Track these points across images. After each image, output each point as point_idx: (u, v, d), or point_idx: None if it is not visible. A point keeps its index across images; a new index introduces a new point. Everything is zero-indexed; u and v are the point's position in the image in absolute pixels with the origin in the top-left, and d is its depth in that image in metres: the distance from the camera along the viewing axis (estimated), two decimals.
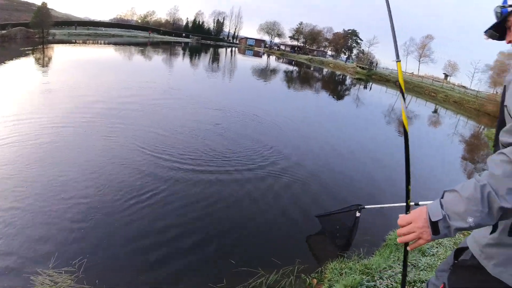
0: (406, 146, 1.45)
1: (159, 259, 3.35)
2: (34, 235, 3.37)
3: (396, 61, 1.55)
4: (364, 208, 3.72)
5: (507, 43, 1.35)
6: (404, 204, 3.19)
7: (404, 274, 1.54)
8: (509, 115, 1.10)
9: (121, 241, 3.53)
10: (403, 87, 1.52)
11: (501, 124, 1.16)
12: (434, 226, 1.11)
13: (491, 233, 1.23)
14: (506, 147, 1.04)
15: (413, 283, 3.00)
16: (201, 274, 3.25)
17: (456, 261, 1.49)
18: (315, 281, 3.27)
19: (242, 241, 3.89)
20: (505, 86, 1.24)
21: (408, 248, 1.29)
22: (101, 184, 4.56)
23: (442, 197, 1.14)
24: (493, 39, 1.42)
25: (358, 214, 3.77)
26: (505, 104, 1.17)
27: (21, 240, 3.28)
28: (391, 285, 2.98)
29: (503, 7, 1.30)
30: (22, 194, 4.06)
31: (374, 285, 2.99)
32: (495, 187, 1.00)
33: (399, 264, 3.35)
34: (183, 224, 3.96)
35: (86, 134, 6.38)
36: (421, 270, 3.27)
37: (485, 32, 1.42)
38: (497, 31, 1.38)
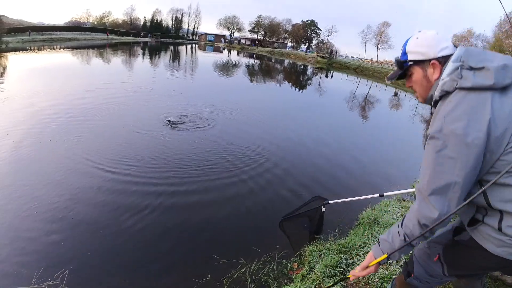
0: None
1: (142, 263, 3.31)
2: (14, 254, 3.24)
3: None
4: (329, 203, 3.79)
5: (407, 87, 1.57)
6: (368, 196, 3.47)
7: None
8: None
9: (101, 248, 3.46)
10: None
11: None
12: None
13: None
14: None
15: None
16: (185, 272, 3.24)
17: (454, 238, 1.67)
18: (296, 265, 3.36)
19: (223, 236, 3.92)
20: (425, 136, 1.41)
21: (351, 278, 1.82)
22: (78, 193, 4.45)
23: (379, 244, 1.60)
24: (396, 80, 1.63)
25: (323, 209, 3.83)
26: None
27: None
28: None
29: (404, 61, 1.50)
30: None
31: (352, 262, 3.11)
32: (410, 236, 1.44)
33: (373, 240, 3.51)
34: (163, 229, 3.91)
35: (52, 142, 6.15)
36: None
37: (388, 79, 1.62)
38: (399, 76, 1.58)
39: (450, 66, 1.34)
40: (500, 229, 1.34)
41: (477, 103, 1.24)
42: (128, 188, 4.67)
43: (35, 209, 4.00)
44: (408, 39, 1.51)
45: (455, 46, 1.43)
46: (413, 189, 3.51)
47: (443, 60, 1.39)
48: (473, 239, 1.49)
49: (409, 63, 1.48)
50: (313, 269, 3.06)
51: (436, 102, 1.41)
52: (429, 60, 1.42)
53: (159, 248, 3.57)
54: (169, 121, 8.18)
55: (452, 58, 1.36)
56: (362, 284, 2.81)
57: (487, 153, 1.25)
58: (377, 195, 3.44)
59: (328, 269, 2.97)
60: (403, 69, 1.52)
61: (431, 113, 1.47)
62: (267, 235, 3.99)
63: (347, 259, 3.15)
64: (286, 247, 3.70)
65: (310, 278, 2.93)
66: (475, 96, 1.26)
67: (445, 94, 1.36)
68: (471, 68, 1.29)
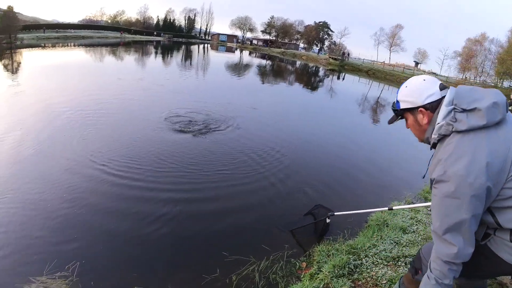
0: None
1: (151, 258, 3.38)
2: (26, 246, 3.33)
3: None
4: (334, 215, 3.87)
5: (407, 128, 1.71)
6: (375, 210, 3.48)
7: None
8: None
9: (112, 243, 3.54)
10: None
11: None
12: None
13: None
14: None
15: (397, 258, 3.17)
16: (195, 267, 3.29)
17: None
18: (304, 264, 3.39)
19: (232, 234, 3.95)
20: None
21: None
22: (92, 191, 4.56)
23: None
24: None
25: (328, 220, 3.91)
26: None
27: (13, 250, 3.26)
28: (377, 262, 3.13)
29: (398, 109, 1.65)
30: (6, 201, 4.02)
31: (361, 263, 3.13)
32: (442, 277, 1.44)
33: (382, 243, 3.52)
34: (173, 225, 3.96)
35: (66, 138, 6.29)
36: (404, 246, 3.44)
37: (389, 123, 1.77)
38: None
39: (443, 110, 1.45)
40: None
41: (474, 144, 1.34)
42: (139, 187, 4.76)
43: (49, 203, 4.11)
44: (400, 87, 1.65)
45: (445, 87, 1.52)
46: (423, 204, 3.46)
47: (430, 106, 1.51)
48: (487, 246, 1.55)
49: (401, 111, 1.63)
50: (321, 269, 3.09)
51: (435, 144, 1.53)
52: (417, 108, 1.54)
53: (168, 244, 3.63)
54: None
55: (444, 102, 1.46)
56: (370, 285, 2.83)
57: (492, 186, 1.33)
58: (386, 208, 3.42)
59: (337, 269, 3.00)
60: (399, 116, 1.68)
61: (431, 148, 1.61)
62: (276, 234, 4.01)
63: (355, 260, 3.17)
64: (295, 246, 3.73)
65: (318, 277, 2.96)
66: (471, 137, 1.36)
67: (443, 137, 1.46)
68: (463, 110, 1.39)
